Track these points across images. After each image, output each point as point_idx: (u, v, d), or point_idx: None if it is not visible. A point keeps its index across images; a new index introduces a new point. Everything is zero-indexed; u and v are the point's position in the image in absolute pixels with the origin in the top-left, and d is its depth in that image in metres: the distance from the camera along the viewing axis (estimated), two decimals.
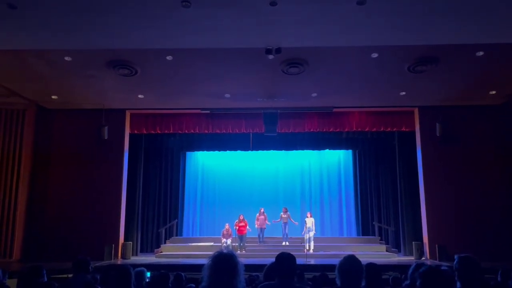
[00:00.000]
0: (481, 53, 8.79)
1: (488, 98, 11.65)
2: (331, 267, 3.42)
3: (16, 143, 11.93)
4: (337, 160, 16.34)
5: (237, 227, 12.96)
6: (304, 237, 12.74)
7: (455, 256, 3.04)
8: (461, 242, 10.80)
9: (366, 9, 6.64)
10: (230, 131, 13.35)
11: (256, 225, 13.51)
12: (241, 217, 13.09)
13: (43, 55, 8.89)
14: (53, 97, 11.60)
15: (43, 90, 11.08)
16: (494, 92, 11.23)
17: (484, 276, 3.10)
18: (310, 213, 13.47)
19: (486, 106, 12.11)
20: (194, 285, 5.18)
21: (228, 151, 15.58)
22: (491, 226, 11.51)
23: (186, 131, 13.38)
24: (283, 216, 13.56)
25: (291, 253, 2.89)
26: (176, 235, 14.72)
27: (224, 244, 12.59)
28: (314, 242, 12.85)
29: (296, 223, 13.62)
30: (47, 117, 12.52)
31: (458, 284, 2.93)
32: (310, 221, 12.89)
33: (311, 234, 12.77)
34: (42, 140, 12.42)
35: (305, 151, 15.72)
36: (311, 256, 12.00)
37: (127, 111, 12.81)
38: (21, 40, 7.84)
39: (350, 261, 2.85)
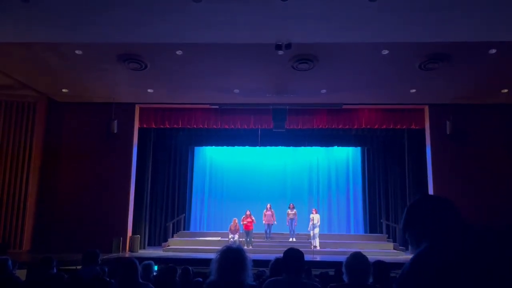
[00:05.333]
0: (493, 51, 8.68)
1: (500, 96, 11.50)
2: (338, 264, 3.42)
3: (27, 136, 12.05)
4: (345, 157, 16.27)
5: (244, 223, 12.98)
6: (310, 234, 12.74)
7: None
8: None
9: (377, 5, 6.59)
10: (239, 127, 13.37)
11: (263, 221, 13.52)
12: (248, 213, 13.11)
13: (54, 48, 8.95)
14: (63, 90, 11.69)
15: (54, 83, 11.17)
16: (506, 90, 11.09)
17: None
18: (316, 209, 13.46)
19: (497, 105, 11.97)
20: (201, 279, 5.20)
21: (236, 147, 15.58)
22: (502, 225, 11.39)
23: (195, 126, 13.41)
24: (290, 212, 13.55)
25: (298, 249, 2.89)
26: (184, 229, 14.79)
27: (231, 240, 12.63)
28: (320, 239, 12.84)
29: (295, 224, 13.52)
30: (57, 110, 12.62)
31: None
32: (316, 218, 12.87)
33: (316, 230, 12.75)
34: (52, 133, 12.54)
35: (314, 147, 15.64)
36: (318, 252, 11.99)
37: (136, 105, 12.87)
38: (33, 33, 7.90)
39: (357, 258, 2.84)
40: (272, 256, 3.80)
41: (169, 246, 13.03)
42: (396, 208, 14.32)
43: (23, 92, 11.70)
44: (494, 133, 12.05)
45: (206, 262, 2.78)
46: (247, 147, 15.36)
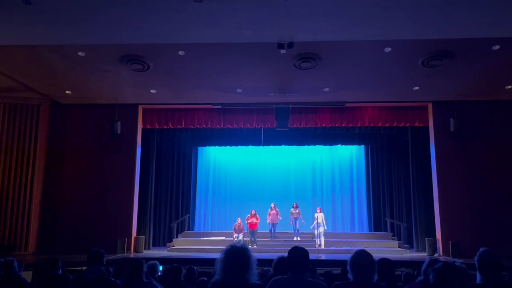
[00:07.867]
0: (497, 47, 8.63)
1: (504, 92, 11.44)
2: (343, 263, 3.42)
3: (31, 138, 12.12)
4: (349, 156, 16.24)
5: (248, 222, 12.98)
6: (314, 232, 12.72)
7: (481, 249, 3.03)
8: (475, 239, 10.61)
9: (380, 2, 6.57)
10: (242, 126, 13.36)
11: (268, 220, 13.52)
12: (253, 212, 13.11)
13: (57, 50, 8.98)
14: (67, 92, 11.72)
15: (57, 85, 11.20)
16: (510, 86, 11.03)
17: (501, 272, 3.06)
18: (320, 208, 13.44)
19: (501, 101, 11.90)
20: (206, 279, 5.21)
21: (239, 146, 15.58)
22: (506, 222, 11.33)
23: (198, 126, 13.42)
24: (293, 212, 13.54)
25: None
26: (188, 230, 14.81)
27: (236, 239, 12.64)
28: (325, 238, 12.83)
29: (304, 222, 13.49)
30: (61, 112, 12.66)
31: (478, 278, 2.90)
32: (320, 217, 12.85)
33: (321, 229, 12.73)
34: (56, 135, 12.59)
35: (317, 146, 15.63)
36: (323, 251, 11.98)
37: (139, 106, 12.89)
38: (36, 35, 7.92)
39: (362, 256, 2.83)
40: (276, 255, 3.80)
41: (173, 246, 13.06)
42: (401, 206, 14.28)
43: (26, 94, 11.74)
44: (498, 130, 11.98)
45: (210, 261, 2.78)
46: (250, 146, 15.34)
